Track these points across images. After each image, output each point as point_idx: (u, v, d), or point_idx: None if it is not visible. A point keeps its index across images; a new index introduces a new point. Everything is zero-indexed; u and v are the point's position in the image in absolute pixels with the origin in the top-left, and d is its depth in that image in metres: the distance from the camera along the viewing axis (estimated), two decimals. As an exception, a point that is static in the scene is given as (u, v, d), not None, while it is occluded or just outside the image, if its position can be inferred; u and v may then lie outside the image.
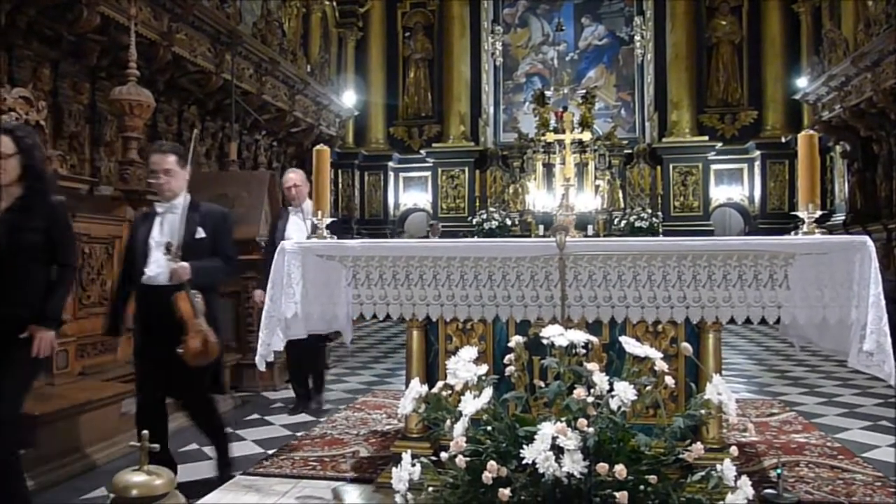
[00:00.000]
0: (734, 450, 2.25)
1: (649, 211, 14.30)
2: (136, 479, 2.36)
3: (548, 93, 15.22)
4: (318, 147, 3.27)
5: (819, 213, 2.92)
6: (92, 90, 7.81)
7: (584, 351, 2.27)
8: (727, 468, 2.10)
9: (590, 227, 13.74)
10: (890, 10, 10.13)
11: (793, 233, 3.05)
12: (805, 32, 14.66)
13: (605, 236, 13.72)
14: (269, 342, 3.04)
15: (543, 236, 13.64)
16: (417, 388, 2.39)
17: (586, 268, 2.86)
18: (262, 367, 3.11)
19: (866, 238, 2.82)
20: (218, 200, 6.78)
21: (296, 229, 5.07)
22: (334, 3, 15.71)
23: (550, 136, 13.79)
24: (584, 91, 15.12)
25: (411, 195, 16.40)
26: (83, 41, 7.22)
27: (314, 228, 3.23)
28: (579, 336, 2.25)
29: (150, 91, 6.05)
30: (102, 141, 7.95)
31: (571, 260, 2.80)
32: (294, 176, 5.29)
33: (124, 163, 5.83)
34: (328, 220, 3.19)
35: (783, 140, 14.34)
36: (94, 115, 7.83)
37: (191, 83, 9.28)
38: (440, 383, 2.36)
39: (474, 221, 14.79)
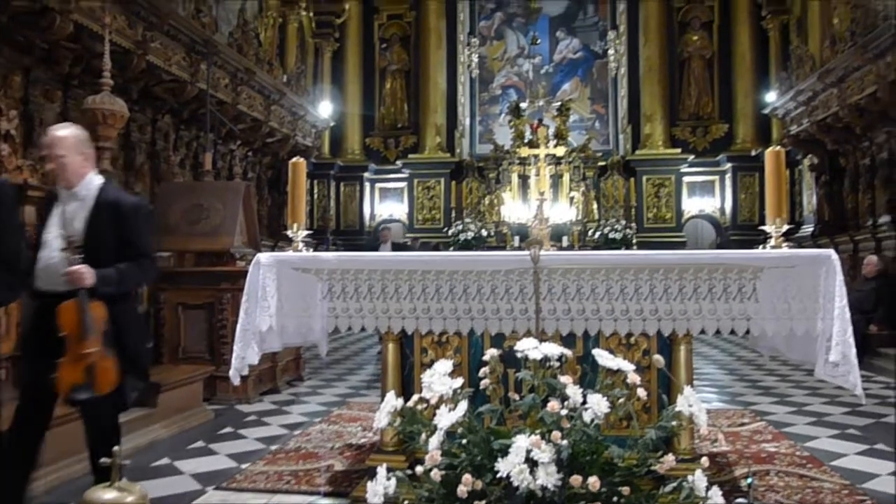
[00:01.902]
0: (705, 460, 2.29)
1: (623, 222, 14.45)
2: (107, 496, 2.33)
3: (523, 105, 15.34)
4: (293, 160, 3.27)
5: (786, 227, 2.99)
6: (64, 98, 7.71)
7: (557, 364, 2.29)
8: (698, 479, 2.14)
9: (564, 239, 13.84)
10: (854, 27, 10.39)
11: (761, 246, 3.12)
12: (773, 48, 14.99)
13: (579, 247, 13.85)
14: (244, 355, 3.03)
15: (519, 248, 13.73)
16: (393, 401, 2.40)
17: (560, 281, 2.90)
18: (236, 381, 3.10)
19: (831, 252, 2.89)
20: (192, 211, 6.79)
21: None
22: (311, 14, 15.71)
23: (525, 151, 13.94)
24: (559, 103, 15.28)
25: (387, 206, 16.40)
26: (56, 48, 7.12)
27: (291, 241, 3.23)
28: (553, 349, 2.28)
29: (123, 100, 6.00)
30: (75, 150, 7.86)
31: (545, 273, 2.84)
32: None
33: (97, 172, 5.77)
34: (304, 233, 3.19)
35: (753, 153, 14.59)
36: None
37: (165, 92, 9.20)
38: (415, 396, 2.37)
39: (450, 232, 14.83)
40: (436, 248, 14.01)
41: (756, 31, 15.19)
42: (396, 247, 10.01)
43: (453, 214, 15.52)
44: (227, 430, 5.14)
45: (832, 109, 10.95)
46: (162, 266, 7.33)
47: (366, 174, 16.29)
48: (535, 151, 13.80)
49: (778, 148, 3.04)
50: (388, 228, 12.29)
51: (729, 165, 15.17)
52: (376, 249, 9.41)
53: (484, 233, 14.56)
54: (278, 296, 3.07)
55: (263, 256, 3.11)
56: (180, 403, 5.23)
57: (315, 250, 3.41)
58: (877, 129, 10.46)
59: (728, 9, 15.52)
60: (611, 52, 16.39)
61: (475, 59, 16.86)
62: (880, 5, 10.06)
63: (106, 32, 5.82)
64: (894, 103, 9.54)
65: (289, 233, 3.17)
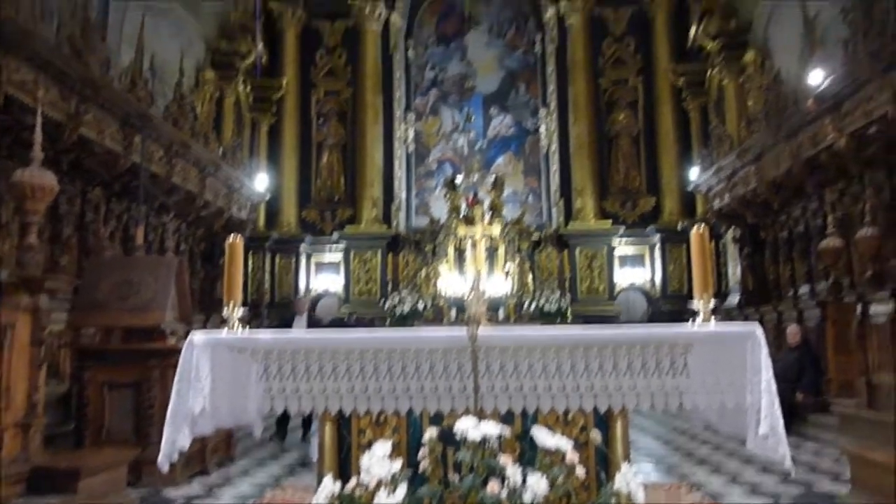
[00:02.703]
0: (643, 539, 2.30)
1: (558, 294, 14.70)
2: None
3: (458, 179, 15.65)
4: (231, 239, 3.25)
5: (713, 303, 3.11)
6: (-10, 170, 7.49)
7: (497, 443, 2.30)
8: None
9: (500, 311, 13.97)
10: (767, 109, 11.10)
11: (690, 321, 3.23)
12: (695, 127, 15.84)
13: (515, 320, 13.97)
14: (175, 439, 2.92)
15: (456, 321, 13.76)
16: (330, 485, 2.35)
17: (498, 358, 2.93)
18: (165, 469, 2.96)
19: (755, 327, 3.02)
20: (122, 286, 6.60)
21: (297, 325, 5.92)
22: (248, 89, 15.83)
23: (463, 230, 14.16)
24: (493, 178, 15.65)
25: (323, 279, 16.27)
26: (-18, 121, 6.97)
27: (226, 321, 3.17)
28: (492, 428, 2.29)
29: (53, 172, 5.87)
30: (-1, 222, 7.60)
31: (483, 351, 2.86)
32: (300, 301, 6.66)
33: (22, 247, 5.57)
34: (240, 312, 3.14)
35: (680, 227, 15.16)
36: (-11, 195, 7.50)
37: (97, 164, 9.04)
38: (353, 481, 2.33)
39: (386, 306, 14.79)
40: (371, 322, 13.90)
41: (678, 111, 16.03)
42: (313, 320, 9.29)
43: (390, 287, 15.50)
44: (153, 517, 4.88)
45: (751, 185, 11.56)
46: (87, 343, 7.07)
47: (302, 246, 16.20)
48: (473, 230, 14.05)
49: (702, 228, 3.19)
50: (302, 298, 11.39)
51: (658, 238, 15.71)
52: (290, 321, 8.95)
53: (420, 306, 14.57)
54: (212, 376, 2.99)
55: (197, 336, 3.04)
56: (102, 489, 4.95)
57: (249, 325, 3.34)
58: (793, 203, 11.08)
59: (651, 90, 16.37)
60: (542, 128, 17.00)
61: (411, 134, 17.23)
62: (789, 89, 10.79)
63: (38, 106, 5.73)
64: (808, 180, 10.15)
65: (224, 312, 3.12)
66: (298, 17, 16.85)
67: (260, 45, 15.66)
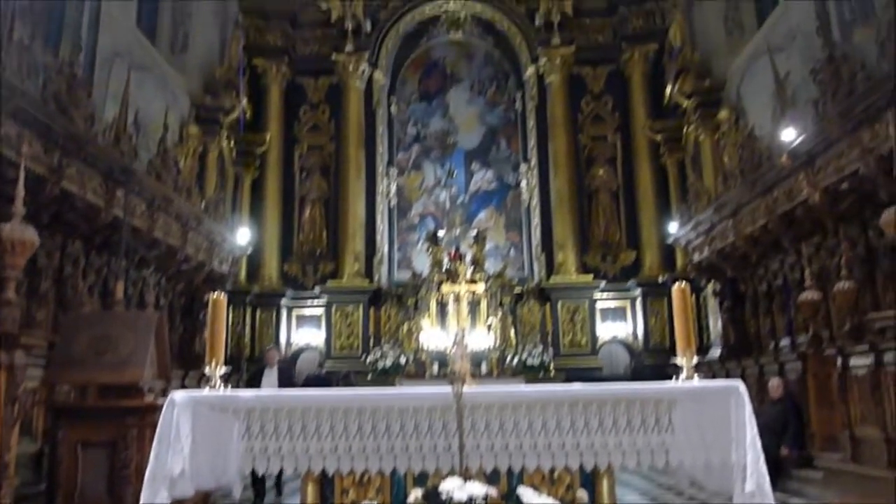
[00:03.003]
0: None
1: (540, 348, 14.67)
2: None
3: (441, 233, 15.74)
4: (214, 297, 3.23)
5: (695, 360, 3.13)
6: (-32, 224, 7.42)
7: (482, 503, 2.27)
8: None
9: (483, 366, 13.89)
10: (742, 166, 11.34)
11: (674, 377, 3.24)
12: (673, 182, 16.09)
13: (498, 374, 13.89)
14: (153, 502, 2.85)
15: (438, 375, 13.66)
16: (313, 549, 2.30)
17: (483, 416, 2.91)
18: (142, 532, 2.88)
19: (738, 383, 3.03)
20: (100, 341, 6.49)
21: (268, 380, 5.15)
22: (232, 143, 15.93)
23: (447, 287, 14.19)
24: (475, 232, 15.75)
25: (304, 333, 16.11)
26: (-38, 174, 6.93)
27: (208, 379, 3.13)
28: (478, 489, 2.26)
29: (33, 226, 5.83)
30: (-26, 277, 7.48)
31: (469, 409, 2.84)
32: (272, 351, 6.94)
33: (-1, 302, 5.49)
34: (222, 370, 3.11)
35: (660, 280, 15.27)
36: (-34, 249, 7.40)
37: (78, 218, 8.98)
38: (337, 544, 2.28)
39: (368, 360, 14.66)
40: (346, 376, 13.73)
41: (655, 167, 16.31)
42: (285, 374, 8.82)
43: (371, 341, 15.39)
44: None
45: (729, 239, 11.72)
46: (61, 401, 6.92)
47: (283, 301, 16.08)
48: (456, 288, 14.12)
49: (683, 284, 3.23)
50: (273, 348, 10.36)
51: (639, 291, 15.80)
52: (261, 374, 8.66)
53: (402, 360, 14.46)
54: (193, 436, 2.94)
55: (178, 395, 3.00)
56: (74, 555, 4.79)
57: (229, 381, 3.30)
58: (770, 257, 11.22)
59: (629, 146, 16.68)
60: (523, 183, 17.21)
61: (393, 188, 17.36)
62: (763, 146, 11.05)
63: (22, 161, 5.72)
64: (784, 234, 10.32)
65: (206, 370, 3.08)
66: (283, 73, 17.10)
67: (244, 101, 15.84)
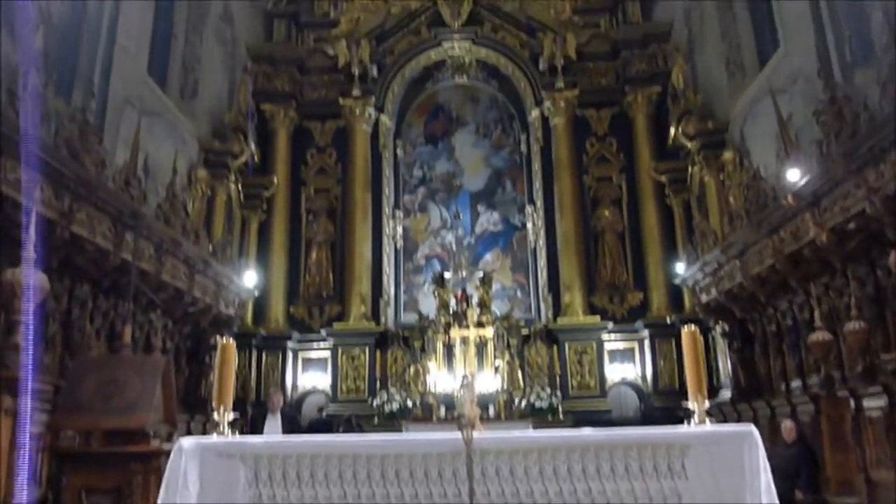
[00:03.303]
0: None
1: (548, 390, 14.52)
2: None
3: (447, 275, 15.72)
4: (224, 342, 3.23)
5: (707, 404, 3.09)
6: (-22, 268, 7.47)
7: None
8: None
9: (490, 408, 13.76)
10: (748, 206, 11.36)
11: (685, 421, 3.20)
12: (678, 222, 16.06)
13: (505, 417, 13.74)
14: (159, 551, 2.81)
15: (445, 418, 13.52)
16: None
17: (493, 462, 2.88)
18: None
19: (752, 428, 3.00)
20: (106, 386, 6.46)
21: (270, 426, 5.16)
22: (240, 186, 16.07)
23: (454, 331, 14.17)
24: (481, 273, 15.73)
25: (310, 376, 15.99)
26: (-27, 219, 7.01)
27: (215, 425, 3.11)
28: (489, 537, 2.23)
29: (42, 270, 5.87)
30: (-19, 320, 7.51)
31: (478, 455, 2.81)
32: (277, 396, 6.84)
33: (7, 346, 5.51)
34: (231, 416, 3.09)
35: (669, 320, 15.18)
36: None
37: (87, 262, 9.04)
38: None
39: (374, 403, 14.53)
40: (348, 420, 13.61)
41: (661, 208, 16.29)
42: (288, 419, 8.66)
43: (378, 384, 15.27)
44: None
45: (737, 280, 11.66)
46: (66, 446, 6.87)
47: (289, 343, 16.00)
48: (463, 331, 14.12)
49: (693, 328, 3.22)
50: (275, 393, 9.99)
51: (646, 332, 15.67)
52: (263, 419, 8.52)
53: (409, 403, 14.33)
54: (200, 483, 2.91)
55: (186, 442, 2.98)
56: None
57: (233, 425, 3.28)
58: (779, 297, 11.16)
59: (634, 187, 16.72)
60: (529, 225, 17.24)
61: (400, 230, 17.42)
62: (768, 186, 11.09)
63: (34, 207, 5.79)
64: (792, 274, 10.28)
65: (215, 416, 3.07)
66: (290, 117, 17.31)
67: (252, 146, 16.04)
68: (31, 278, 5.31)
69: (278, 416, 8.24)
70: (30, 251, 5.33)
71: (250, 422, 12.05)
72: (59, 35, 9.90)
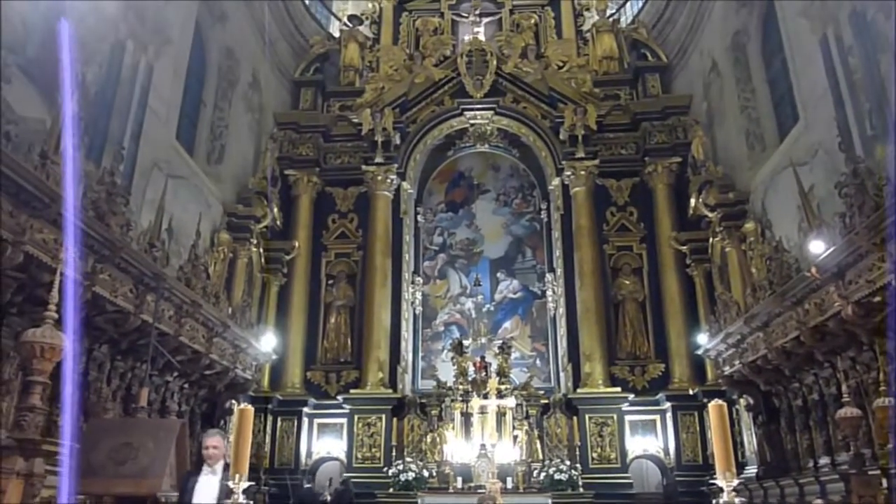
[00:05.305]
0: None
1: (568, 463, 14.16)
2: None
3: (466, 342, 15.59)
4: (242, 408, 3.19)
5: (736, 482, 2.98)
6: (-1, 327, 7.51)
7: None
8: None
9: (509, 480, 13.39)
10: (771, 277, 11.22)
11: (713, 501, 3.09)
12: (700, 293, 15.85)
13: (524, 489, 13.37)
14: None
15: (462, 488, 13.19)
16: None
17: (514, 539, 2.77)
18: None
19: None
20: (121, 450, 6.38)
21: (205, 489, 4.64)
22: (261, 250, 16.21)
23: (476, 402, 14.01)
24: (500, 341, 15.58)
25: (325, 443, 15.72)
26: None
27: (229, 493, 3.04)
28: None
29: (61, 330, 5.86)
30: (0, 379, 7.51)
31: (499, 531, 2.71)
32: (215, 440, 5.28)
33: (23, 408, 5.45)
34: (245, 485, 3.02)
35: (691, 392, 14.85)
36: (-6, 349, 7.47)
37: (106, 322, 9.07)
38: None
39: (390, 472, 14.22)
40: (345, 483, 13.41)
41: (682, 277, 16.14)
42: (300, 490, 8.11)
43: (394, 452, 14.96)
44: None
45: (760, 352, 11.42)
46: (77, 510, 6.74)
47: (305, 409, 15.80)
48: (484, 401, 13.96)
49: (720, 402, 3.13)
50: (217, 435, 6.09)
51: (668, 405, 15.31)
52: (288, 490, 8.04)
53: (425, 473, 14.01)
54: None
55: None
56: None
57: (246, 493, 3.20)
58: (804, 370, 10.90)
59: (655, 257, 16.63)
60: (549, 293, 17.15)
61: (419, 296, 17.41)
62: (791, 258, 10.98)
63: (59, 267, 5.84)
64: (817, 347, 10.05)
65: (230, 484, 3.00)
66: (313, 183, 17.59)
67: (275, 210, 16.25)
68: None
69: (218, 473, 5.06)
70: (52, 311, 5.33)
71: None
72: (93, 99, 10.22)
